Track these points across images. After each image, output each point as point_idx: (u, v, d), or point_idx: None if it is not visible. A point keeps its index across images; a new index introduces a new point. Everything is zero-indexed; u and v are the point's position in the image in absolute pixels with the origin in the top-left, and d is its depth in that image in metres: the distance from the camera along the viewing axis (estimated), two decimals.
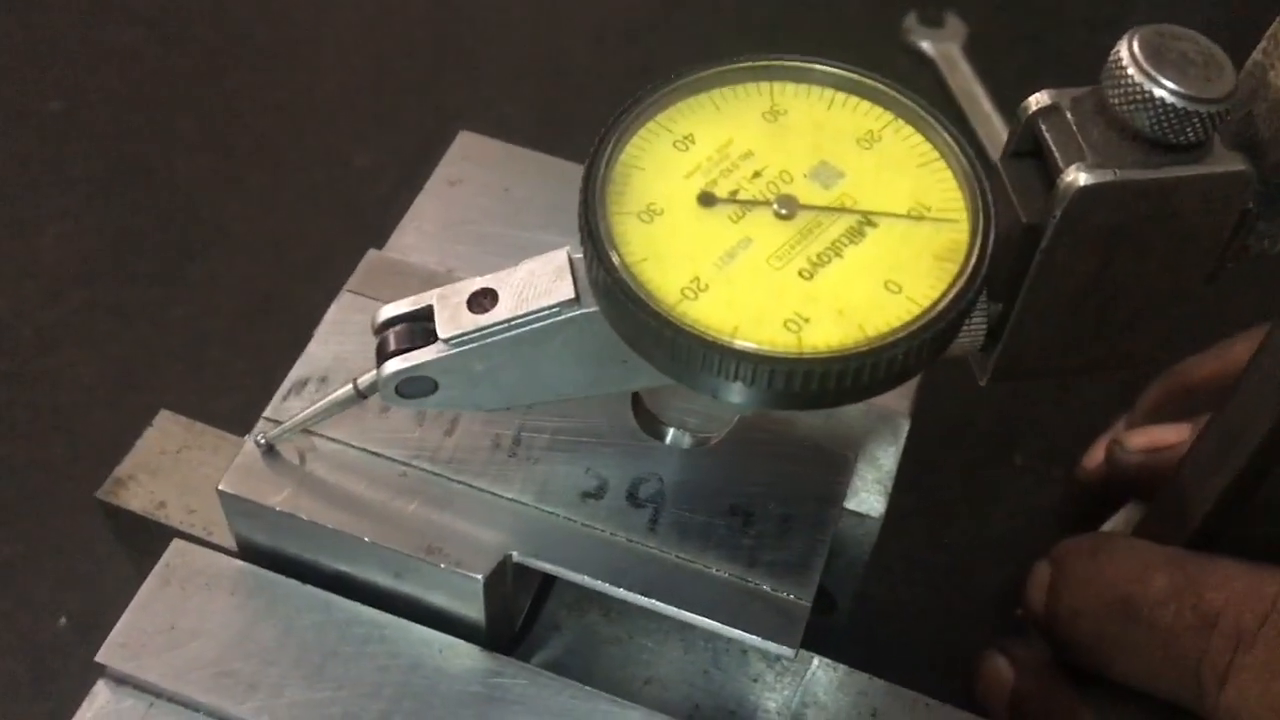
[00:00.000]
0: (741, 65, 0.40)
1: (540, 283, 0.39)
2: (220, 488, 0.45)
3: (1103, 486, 0.59)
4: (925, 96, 0.39)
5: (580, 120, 0.86)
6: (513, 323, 0.39)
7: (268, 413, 0.46)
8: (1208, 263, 0.39)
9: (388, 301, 0.46)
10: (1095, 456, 0.61)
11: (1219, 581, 0.44)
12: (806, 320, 0.36)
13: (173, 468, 0.50)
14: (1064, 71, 0.88)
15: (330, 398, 0.43)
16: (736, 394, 0.36)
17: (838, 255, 0.37)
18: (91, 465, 0.68)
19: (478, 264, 0.52)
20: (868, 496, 0.48)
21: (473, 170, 0.56)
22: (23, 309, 0.75)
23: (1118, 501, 0.59)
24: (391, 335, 0.40)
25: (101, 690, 0.44)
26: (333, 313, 0.50)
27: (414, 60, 0.91)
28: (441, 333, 0.39)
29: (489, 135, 0.58)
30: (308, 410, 0.44)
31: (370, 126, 0.86)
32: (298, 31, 0.93)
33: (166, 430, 0.51)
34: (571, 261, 0.39)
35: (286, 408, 0.46)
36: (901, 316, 0.36)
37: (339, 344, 0.48)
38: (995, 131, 0.86)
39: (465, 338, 0.39)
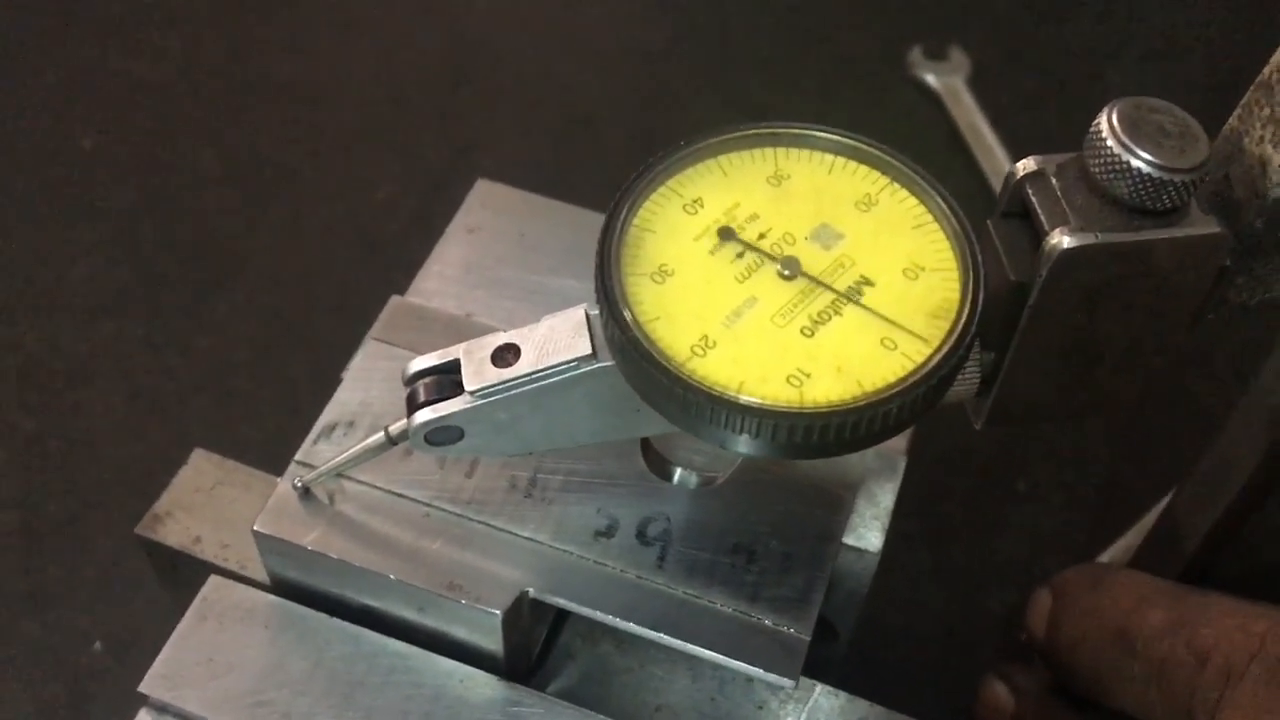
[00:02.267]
0: (747, 132, 0.42)
1: (560, 338, 0.41)
2: (255, 528, 0.46)
3: None
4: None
5: (592, 149, 0.88)
6: (534, 376, 0.41)
7: (299, 456, 0.48)
8: (1187, 316, 0.41)
9: (410, 348, 0.48)
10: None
11: (1212, 618, 0.44)
12: (808, 376, 0.37)
13: (207, 504, 0.52)
14: (1066, 103, 0.92)
15: (362, 444, 0.45)
16: (742, 445, 0.38)
17: (837, 313, 0.39)
18: (122, 493, 0.71)
19: (495, 307, 0.54)
20: (866, 532, 0.50)
21: (490, 217, 0.57)
22: (55, 341, 0.77)
23: None
24: (421, 387, 0.42)
25: (144, 719, 0.46)
26: (359, 360, 0.51)
27: (431, 94, 0.93)
28: (468, 385, 0.41)
29: (503, 165, 0.60)
30: (341, 456, 0.45)
31: (390, 160, 0.88)
32: (319, 68, 0.95)
33: (200, 468, 0.53)
34: (589, 318, 0.41)
35: (316, 451, 0.48)
36: (897, 372, 0.37)
37: (365, 390, 0.50)
38: (998, 163, 0.88)
39: (490, 390, 0.41)
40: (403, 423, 0.43)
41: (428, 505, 0.47)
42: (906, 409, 0.37)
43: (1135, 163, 0.36)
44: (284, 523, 0.47)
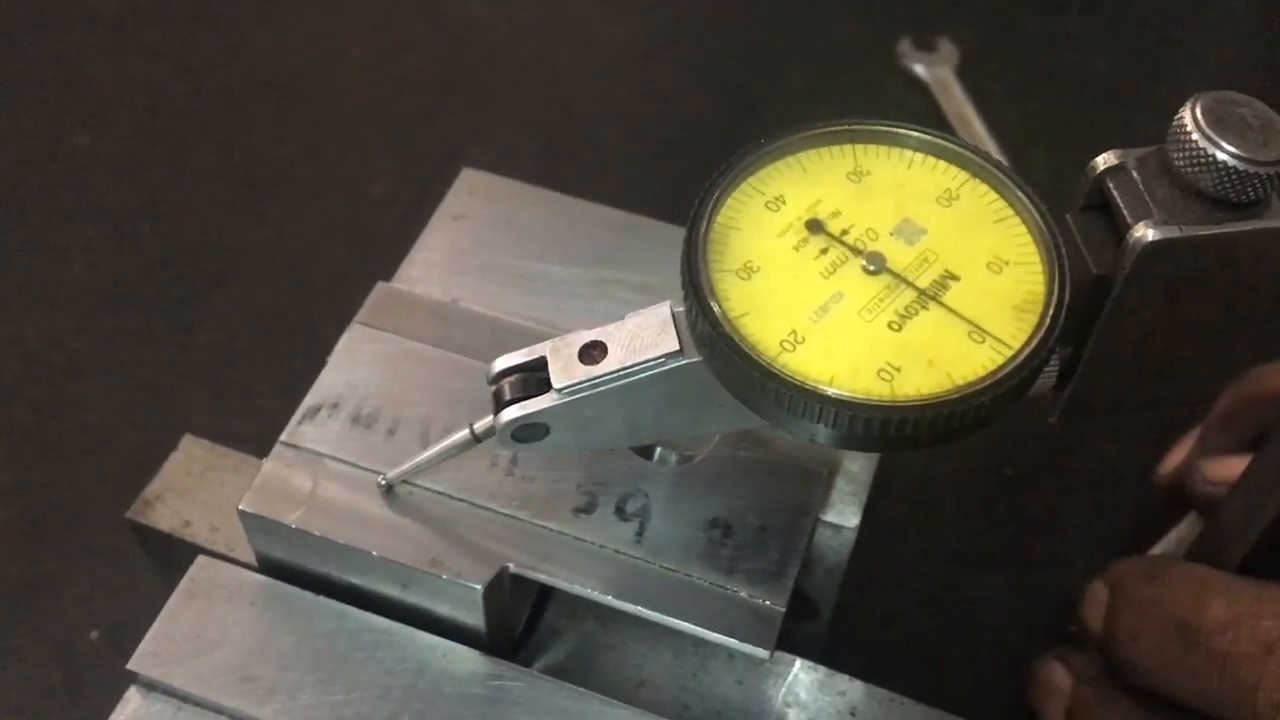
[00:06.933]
0: (826, 129, 0.34)
1: (647, 335, 0.34)
2: (240, 507, 0.37)
3: (1177, 498, 0.52)
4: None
5: (584, 145, 0.74)
6: (622, 373, 0.34)
7: (284, 437, 0.39)
8: (1267, 307, 0.33)
9: (395, 332, 0.42)
10: (1172, 460, 0.53)
11: (1276, 609, 0.37)
12: (898, 370, 0.30)
13: (197, 488, 0.42)
14: (1054, 93, 0.77)
15: (447, 442, 0.37)
16: (833, 438, 0.31)
17: (924, 308, 0.31)
18: (120, 484, 0.58)
19: (481, 292, 0.45)
20: (844, 509, 0.42)
21: (475, 205, 0.48)
22: (54, 335, 0.63)
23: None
24: (506, 385, 0.35)
25: (133, 696, 0.38)
26: (343, 343, 0.42)
27: (424, 91, 0.78)
28: (555, 382, 0.34)
29: (496, 160, 0.50)
30: (426, 453, 0.38)
31: (384, 155, 0.75)
32: (313, 66, 0.80)
33: (191, 453, 0.43)
34: (674, 315, 0.34)
35: (300, 432, 0.39)
36: (987, 365, 0.30)
37: (350, 373, 0.41)
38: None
39: (577, 387, 0.34)
40: (488, 420, 0.35)
41: (410, 484, 0.39)
42: (998, 401, 0.30)
43: (1220, 155, 0.30)
44: (269, 502, 0.38)
